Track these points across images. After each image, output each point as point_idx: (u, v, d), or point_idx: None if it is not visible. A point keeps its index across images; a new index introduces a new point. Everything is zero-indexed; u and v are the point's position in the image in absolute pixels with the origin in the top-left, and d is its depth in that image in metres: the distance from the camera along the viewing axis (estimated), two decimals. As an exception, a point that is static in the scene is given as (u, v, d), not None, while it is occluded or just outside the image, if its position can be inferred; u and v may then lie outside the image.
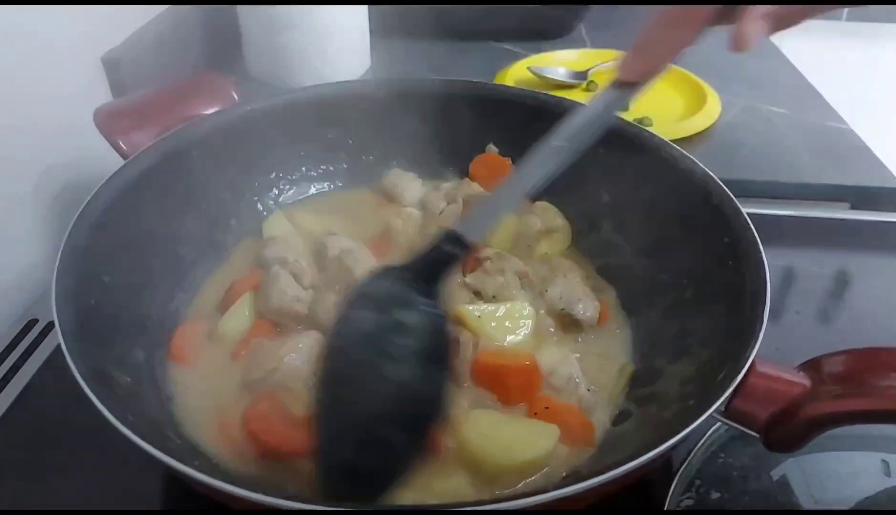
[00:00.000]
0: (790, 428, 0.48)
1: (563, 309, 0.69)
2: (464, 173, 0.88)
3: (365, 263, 0.70)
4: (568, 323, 0.69)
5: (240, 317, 0.67)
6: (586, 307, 0.69)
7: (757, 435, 0.49)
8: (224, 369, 0.64)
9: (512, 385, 0.61)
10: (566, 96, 0.85)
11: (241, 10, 1.17)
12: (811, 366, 0.49)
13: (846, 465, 0.61)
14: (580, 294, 0.70)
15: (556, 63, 1.27)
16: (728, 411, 0.49)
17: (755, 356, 0.49)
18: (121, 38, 1.03)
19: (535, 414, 0.60)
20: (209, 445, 0.57)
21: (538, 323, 0.68)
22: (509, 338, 0.66)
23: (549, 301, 0.70)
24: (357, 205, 0.85)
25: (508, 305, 0.68)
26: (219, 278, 0.74)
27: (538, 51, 1.33)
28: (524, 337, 0.66)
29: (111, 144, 0.71)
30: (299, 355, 0.61)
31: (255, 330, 0.67)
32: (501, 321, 0.66)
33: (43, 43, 0.85)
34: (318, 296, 0.67)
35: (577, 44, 1.40)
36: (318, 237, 0.75)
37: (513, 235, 0.77)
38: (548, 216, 0.79)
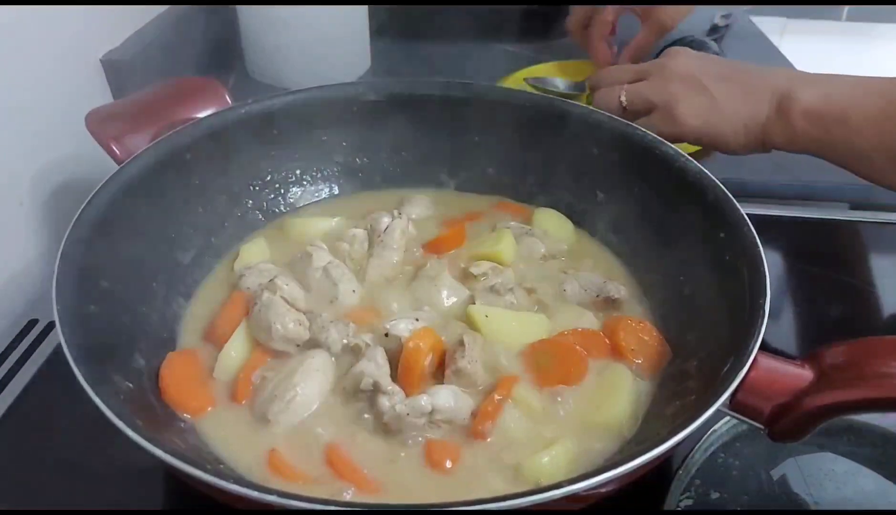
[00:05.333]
0: (794, 420, 0.48)
1: (597, 296, 0.70)
2: (463, 177, 0.88)
3: (348, 283, 0.70)
4: (606, 307, 0.71)
5: (239, 351, 0.64)
6: (616, 286, 0.71)
7: (762, 428, 0.49)
8: (232, 413, 0.61)
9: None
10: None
11: (241, 10, 1.17)
12: (812, 358, 0.50)
13: (845, 465, 0.61)
14: (601, 278, 0.72)
15: (555, 73, 1.25)
16: (732, 405, 0.49)
17: (758, 349, 0.49)
18: (121, 39, 1.03)
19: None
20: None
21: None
22: (519, 338, 0.66)
23: (575, 296, 0.71)
24: (341, 214, 0.83)
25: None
26: (214, 285, 0.74)
27: (538, 51, 1.32)
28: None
29: (104, 149, 0.71)
30: (315, 378, 0.61)
31: (252, 362, 0.64)
32: (510, 321, 0.67)
33: (43, 43, 0.85)
34: (313, 317, 0.66)
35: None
36: (303, 247, 0.73)
37: (514, 256, 0.76)
38: (549, 240, 0.78)
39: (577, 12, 1.17)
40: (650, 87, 0.85)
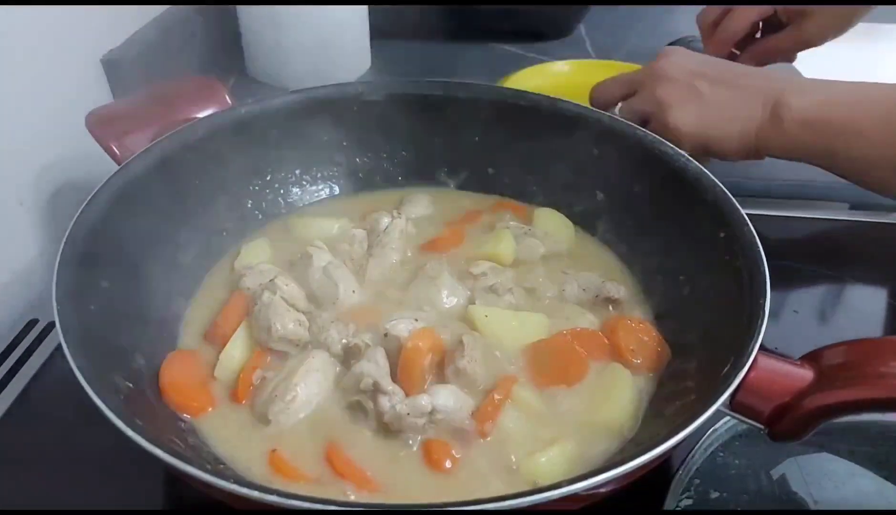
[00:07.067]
0: (795, 420, 0.48)
1: (597, 296, 0.70)
2: (463, 177, 0.88)
3: (348, 283, 0.70)
4: (606, 307, 0.71)
5: (239, 351, 0.64)
6: (615, 287, 0.71)
7: (762, 428, 0.50)
8: (232, 413, 0.61)
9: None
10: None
11: (241, 10, 1.17)
12: (812, 358, 0.50)
13: (845, 465, 0.61)
14: (601, 278, 0.72)
15: (561, 71, 1.24)
16: (732, 405, 0.49)
17: (758, 349, 0.49)
18: (121, 39, 1.03)
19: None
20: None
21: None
22: (519, 338, 0.66)
23: (575, 296, 0.71)
24: (341, 214, 0.83)
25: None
26: (214, 285, 0.74)
27: (539, 52, 1.32)
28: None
29: (104, 149, 0.71)
30: (315, 378, 0.61)
31: (252, 362, 0.64)
32: (510, 321, 0.67)
33: (43, 43, 0.85)
34: (313, 317, 0.66)
35: (578, 44, 1.40)
36: (303, 248, 0.73)
37: (514, 256, 0.76)
38: (549, 240, 0.78)
39: (710, 11, 1.02)
40: (642, 100, 0.84)
